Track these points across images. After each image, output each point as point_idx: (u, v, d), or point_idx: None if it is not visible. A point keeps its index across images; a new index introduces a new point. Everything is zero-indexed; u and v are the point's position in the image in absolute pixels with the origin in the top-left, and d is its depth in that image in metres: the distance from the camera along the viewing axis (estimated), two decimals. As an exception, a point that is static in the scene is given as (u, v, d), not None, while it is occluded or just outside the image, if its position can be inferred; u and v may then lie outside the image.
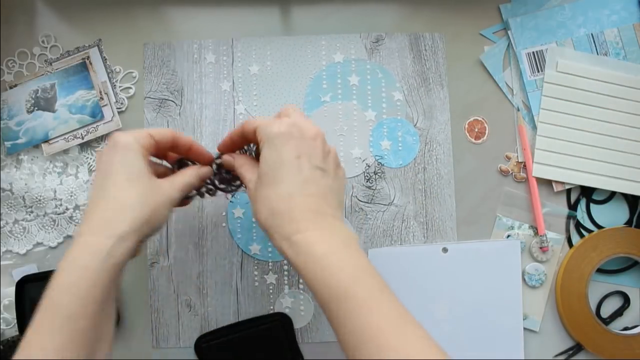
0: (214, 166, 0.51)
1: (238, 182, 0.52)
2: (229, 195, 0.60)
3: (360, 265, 0.40)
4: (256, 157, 0.50)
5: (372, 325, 0.37)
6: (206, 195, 0.52)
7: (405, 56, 0.63)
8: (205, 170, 0.50)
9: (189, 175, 0.48)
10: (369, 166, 0.61)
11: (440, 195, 0.61)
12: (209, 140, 0.61)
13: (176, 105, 0.62)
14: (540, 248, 0.60)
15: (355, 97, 0.62)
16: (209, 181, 0.52)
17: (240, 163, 0.48)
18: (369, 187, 0.61)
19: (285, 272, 0.60)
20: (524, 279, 0.60)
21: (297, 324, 0.60)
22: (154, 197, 0.43)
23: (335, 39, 0.63)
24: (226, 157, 0.50)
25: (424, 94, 0.62)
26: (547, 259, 0.60)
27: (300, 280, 0.60)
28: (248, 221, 0.61)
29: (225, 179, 0.52)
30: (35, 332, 0.38)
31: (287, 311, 0.60)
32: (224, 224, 0.61)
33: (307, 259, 0.40)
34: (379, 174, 0.61)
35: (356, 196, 0.61)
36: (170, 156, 0.52)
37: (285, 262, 0.60)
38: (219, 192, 0.53)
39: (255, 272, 0.60)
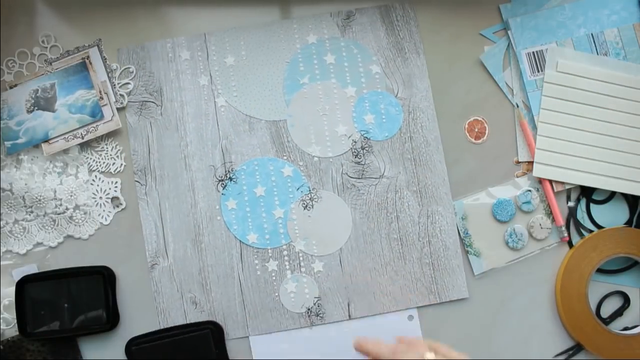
0: None
1: None
2: None
3: None
4: None
5: None
6: None
7: (378, 29, 0.63)
8: None
9: None
10: (355, 142, 0.62)
11: (430, 162, 0.61)
12: (193, 136, 0.61)
13: (157, 105, 0.62)
14: (561, 238, 0.60)
15: (334, 76, 0.62)
16: None
17: None
18: (358, 163, 0.61)
19: (286, 258, 0.60)
20: (504, 235, 0.60)
21: (303, 308, 0.60)
22: None
23: (306, 20, 0.63)
24: None
25: (401, 63, 0.62)
26: (542, 238, 0.60)
27: (302, 264, 0.60)
28: (242, 211, 0.61)
29: None
30: None
31: (291, 296, 0.60)
32: (218, 217, 0.61)
33: None
34: (367, 149, 0.61)
35: (346, 173, 0.61)
36: None
37: (284, 247, 0.61)
38: None
39: (256, 261, 0.60)
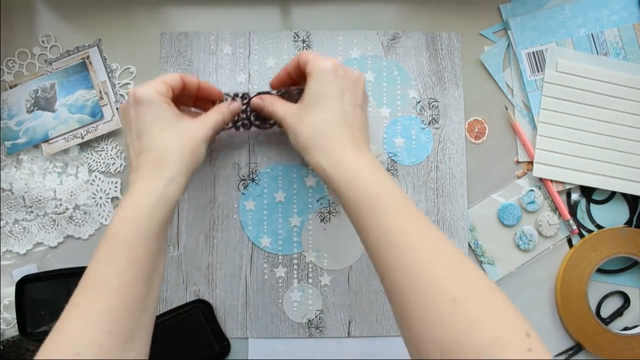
0: (245, 106, 0.55)
1: (272, 121, 0.56)
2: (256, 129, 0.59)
3: (389, 181, 0.45)
4: (290, 98, 0.53)
5: (395, 227, 0.41)
6: (241, 129, 0.57)
7: (422, 54, 0.63)
8: (234, 106, 0.54)
9: (218, 112, 0.52)
10: (381, 163, 0.61)
11: (452, 195, 0.61)
12: (224, 131, 0.61)
13: None
14: (571, 232, 0.60)
15: (371, 94, 0.62)
16: (244, 116, 0.56)
17: (270, 102, 0.53)
18: None
19: (295, 266, 0.60)
20: (514, 238, 0.61)
21: (304, 319, 0.60)
22: (190, 139, 0.48)
23: (352, 35, 0.63)
24: (255, 100, 0.55)
25: (439, 92, 0.62)
26: (551, 234, 0.60)
27: (310, 275, 0.60)
28: (259, 214, 0.61)
29: (260, 116, 0.56)
30: (97, 261, 0.42)
31: (295, 305, 0.60)
32: (235, 216, 0.61)
33: (341, 169, 0.45)
34: (392, 171, 0.61)
35: None
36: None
37: (295, 256, 0.60)
38: (254, 128, 0.57)
39: (265, 265, 0.60)
